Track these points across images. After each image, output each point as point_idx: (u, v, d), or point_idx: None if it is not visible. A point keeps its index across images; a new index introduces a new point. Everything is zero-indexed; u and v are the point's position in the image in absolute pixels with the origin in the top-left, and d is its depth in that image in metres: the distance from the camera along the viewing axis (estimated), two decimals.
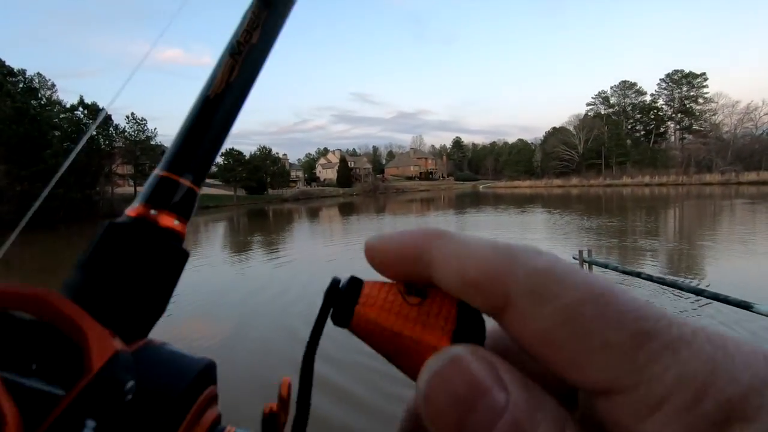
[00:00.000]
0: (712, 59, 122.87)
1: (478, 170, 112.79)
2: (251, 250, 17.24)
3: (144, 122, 46.38)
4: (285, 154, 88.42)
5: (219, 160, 64.98)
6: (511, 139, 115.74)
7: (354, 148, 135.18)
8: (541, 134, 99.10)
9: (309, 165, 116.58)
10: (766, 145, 60.02)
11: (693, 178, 54.88)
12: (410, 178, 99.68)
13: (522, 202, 39.84)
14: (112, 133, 44.11)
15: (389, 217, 31.21)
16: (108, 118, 43.00)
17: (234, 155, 59.59)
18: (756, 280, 8.43)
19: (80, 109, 40.47)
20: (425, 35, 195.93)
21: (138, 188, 46.47)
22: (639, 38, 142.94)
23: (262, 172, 64.36)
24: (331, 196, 73.57)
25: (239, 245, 19.43)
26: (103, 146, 41.48)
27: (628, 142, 76.85)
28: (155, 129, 47.73)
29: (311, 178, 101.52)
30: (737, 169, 54.49)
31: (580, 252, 6.95)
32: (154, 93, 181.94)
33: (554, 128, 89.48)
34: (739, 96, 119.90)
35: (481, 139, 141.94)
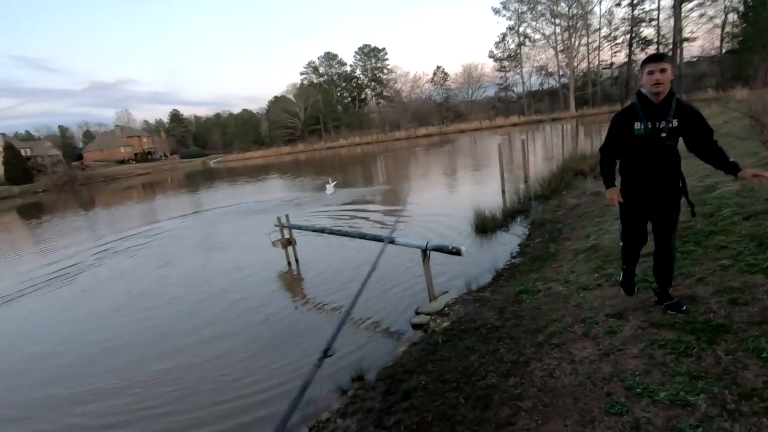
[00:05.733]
0: (390, 35, 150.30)
1: (206, 145, 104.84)
2: None
3: None
4: None
5: None
6: (237, 110, 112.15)
7: (27, 131, 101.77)
8: (265, 104, 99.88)
9: None
10: (430, 106, 79.50)
11: (388, 135, 67.60)
12: (122, 162, 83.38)
13: (256, 172, 39.77)
14: None
15: (104, 211, 25.07)
16: None
17: None
18: (435, 200, 12.22)
19: None
20: None
21: None
22: (339, 11, 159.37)
23: None
24: None
25: None
26: None
27: (339, 108, 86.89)
28: None
29: None
30: (414, 126, 70.40)
31: (279, 219, 7.17)
32: None
33: (276, 97, 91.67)
34: (410, 68, 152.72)
35: (204, 111, 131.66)
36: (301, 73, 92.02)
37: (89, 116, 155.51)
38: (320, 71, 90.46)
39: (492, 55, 70.68)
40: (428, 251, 4.96)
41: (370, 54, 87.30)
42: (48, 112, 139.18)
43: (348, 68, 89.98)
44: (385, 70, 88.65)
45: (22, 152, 68.19)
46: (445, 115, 75.42)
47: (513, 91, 72.83)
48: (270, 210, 14.29)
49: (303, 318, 5.60)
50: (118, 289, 7.95)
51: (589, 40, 60.22)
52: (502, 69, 70.76)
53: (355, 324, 5.15)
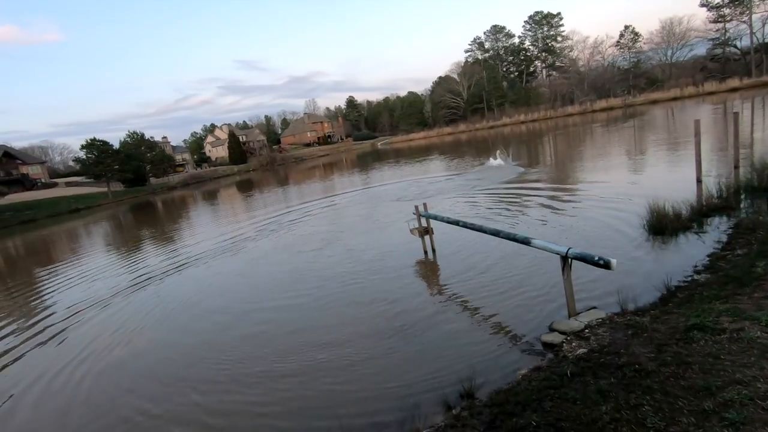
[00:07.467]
0: None
1: (375, 127, 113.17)
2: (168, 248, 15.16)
3: None
4: (165, 137, 79.73)
5: (81, 154, 55.37)
6: (403, 93, 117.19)
7: (244, 121, 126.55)
8: (429, 85, 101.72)
9: (196, 145, 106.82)
10: (612, 74, 68.46)
11: (558, 111, 61.06)
12: (308, 145, 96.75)
13: (420, 153, 41.19)
14: None
15: (294, 187, 30.17)
16: None
17: (98, 146, 51.66)
18: (608, 187, 10.52)
19: None
20: None
21: None
22: None
23: (138, 160, 57.27)
24: (225, 175, 68.78)
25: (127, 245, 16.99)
26: None
27: (505, 83, 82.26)
28: None
29: (201, 159, 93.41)
30: (592, 98, 61.76)
31: (416, 207, 7.14)
32: None
33: (440, 77, 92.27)
34: (589, 32, 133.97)
35: (375, 96, 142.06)
36: (466, 51, 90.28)
37: (286, 106, 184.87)
38: (486, 47, 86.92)
39: (705, 3, 56.34)
40: (569, 259, 4.20)
41: (542, 21, 79.58)
42: (258, 104, 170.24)
43: (516, 40, 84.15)
44: (559, 38, 79.83)
45: (240, 138, 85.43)
46: (633, 84, 63.88)
47: (735, 46, 56.93)
48: (429, 193, 14.71)
49: (426, 326, 5.31)
50: (283, 263, 9.18)
51: None
52: (719, 19, 55.87)
53: (483, 325, 4.78)
